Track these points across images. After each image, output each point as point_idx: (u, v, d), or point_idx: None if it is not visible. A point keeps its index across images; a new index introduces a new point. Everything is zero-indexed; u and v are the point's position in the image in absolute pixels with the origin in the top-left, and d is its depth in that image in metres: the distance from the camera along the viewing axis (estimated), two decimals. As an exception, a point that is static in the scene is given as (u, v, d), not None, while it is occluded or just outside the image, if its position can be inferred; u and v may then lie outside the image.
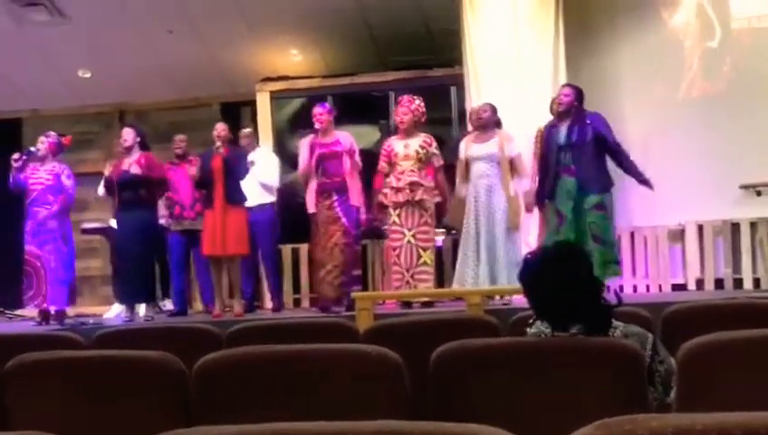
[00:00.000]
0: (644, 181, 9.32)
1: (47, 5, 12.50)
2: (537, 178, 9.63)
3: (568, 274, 3.61)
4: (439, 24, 12.24)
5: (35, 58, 13.32)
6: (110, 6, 12.37)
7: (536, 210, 9.91)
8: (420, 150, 9.73)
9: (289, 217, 11.47)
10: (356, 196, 9.88)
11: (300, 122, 12.66)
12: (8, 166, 10.26)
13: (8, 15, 12.59)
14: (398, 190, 9.73)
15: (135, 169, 9.96)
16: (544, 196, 9.43)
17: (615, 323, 3.69)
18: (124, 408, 3.54)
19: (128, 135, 10.23)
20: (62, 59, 13.44)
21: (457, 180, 9.81)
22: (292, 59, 13.40)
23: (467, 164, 9.68)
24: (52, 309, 10.14)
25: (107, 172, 10.30)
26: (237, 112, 13.64)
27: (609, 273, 9.25)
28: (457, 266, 9.67)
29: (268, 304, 11.12)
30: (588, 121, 9.23)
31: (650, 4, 11.27)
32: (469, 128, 10.28)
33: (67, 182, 10.20)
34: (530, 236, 10.09)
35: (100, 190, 10.93)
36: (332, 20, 12.44)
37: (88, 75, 13.80)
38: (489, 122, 9.72)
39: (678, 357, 3.34)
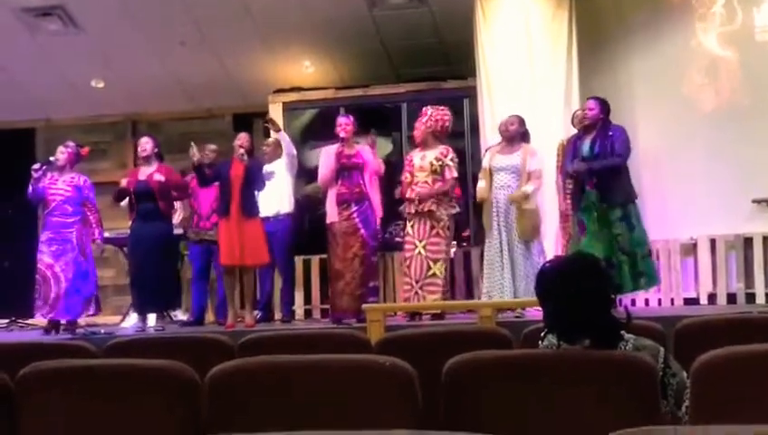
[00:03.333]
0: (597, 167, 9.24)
1: (61, 15, 12.54)
2: (563, 191, 9.66)
3: (577, 286, 3.60)
4: (452, 35, 12.24)
5: (48, 68, 13.36)
6: (124, 17, 12.40)
7: (557, 222, 9.95)
8: (435, 162, 9.73)
9: (300, 228, 11.46)
10: (377, 206, 9.92)
11: (312, 134, 12.69)
12: (21, 175, 10.28)
13: (22, 25, 12.64)
14: (410, 201, 9.75)
15: (158, 177, 10.00)
16: (572, 207, 9.46)
17: (626, 335, 3.67)
18: (136, 417, 3.53)
19: (147, 144, 10.25)
20: (75, 69, 13.47)
21: (478, 185, 9.81)
22: (305, 70, 13.42)
23: (491, 174, 9.69)
24: (65, 320, 10.17)
25: (124, 182, 10.33)
26: (250, 124, 13.63)
27: (641, 285, 9.32)
28: (485, 278, 9.67)
29: (278, 314, 11.11)
30: (610, 133, 9.27)
31: (667, 18, 11.23)
32: (492, 139, 10.22)
33: (91, 195, 10.25)
34: (551, 246, 10.06)
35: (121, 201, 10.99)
36: (345, 31, 12.46)
37: (101, 85, 13.83)
38: (516, 135, 9.73)
39: (692, 371, 3.33)
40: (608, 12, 11.36)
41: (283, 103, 12.89)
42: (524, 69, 10.77)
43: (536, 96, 10.68)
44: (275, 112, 12.63)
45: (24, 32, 12.72)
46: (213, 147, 10.99)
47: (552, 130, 10.34)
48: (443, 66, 12.73)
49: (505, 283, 9.44)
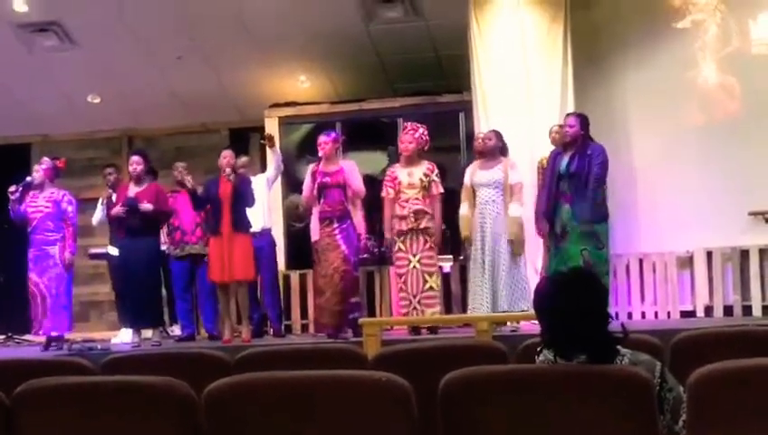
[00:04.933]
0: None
1: (57, 31, 12.55)
2: (540, 206, 9.65)
3: (573, 301, 3.59)
4: (448, 50, 12.27)
5: (45, 83, 13.37)
6: (120, 32, 12.41)
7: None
8: (424, 178, 9.75)
9: (297, 243, 11.47)
10: (358, 223, 9.87)
11: (308, 148, 12.67)
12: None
13: (18, 41, 12.65)
14: (402, 218, 9.74)
15: (146, 207, 9.97)
16: (546, 221, 9.45)
17: (622, 350, 3.66)
18: (133, 434, 3.53)
19: (138, 165, 10.22)
20: (71, 84, 13.48)
21: (462, 204, 9.84)
22: (301, 85, 13.43)
23: (473, 191, 9.73)
24: (53, 334, 10.17)
25: (104, 198, 10.34)
26: (246, 138, 13.65)
27: None
28: (470, 296, 9.71)
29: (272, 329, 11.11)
30: (589, 152, 9.27)
31: (662, 32, 11.25)
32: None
33: (69, 209, 10.21)
34: (537, 262, 10.10)
35: (96, 218, 10.98)
36: (341, 46, 12.47)
37: (97, 101, 13.84)
38: (494, 149, 9.77)
39: (688, 385, 3.33)
40: (603, 26, 11.38)
41: (279, 118, 12.90)
42: (520, 83, 10.79)
43: (531, 110, 10.70)
44: (271, 127, 12.64)
45: (20, 48, 12.72)
46: (183, 163, 10.99)
47: (546, 142, 10.34)
48: (438, 80, 12.75)
49: (485, 296, 9.46)
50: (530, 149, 10.38)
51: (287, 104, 13.10)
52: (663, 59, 11.23)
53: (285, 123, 12.93)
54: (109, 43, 12.62)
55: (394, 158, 10.40)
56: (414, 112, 11.91)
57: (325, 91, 13.41)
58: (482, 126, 10.77)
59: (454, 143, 12.21)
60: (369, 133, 12.57)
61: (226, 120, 14.09)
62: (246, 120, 13.70)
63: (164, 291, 11.06)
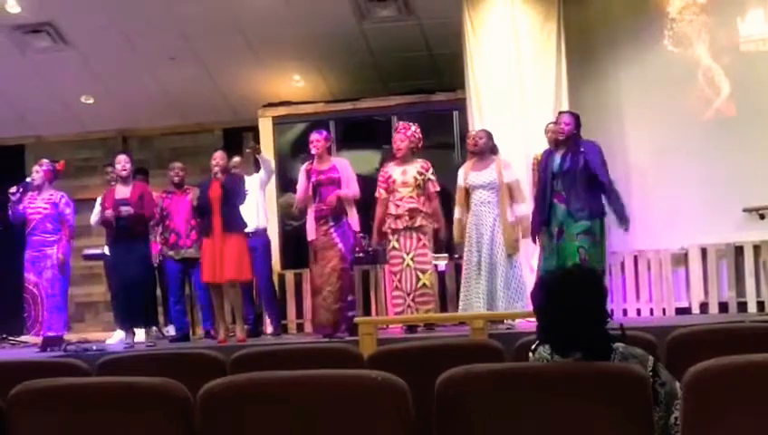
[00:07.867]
0: (623, 221, 9.30)
1: (50, 32, 12.54)
2: (535, 210, 9.65)
3: (572, 299, 3.58)
4: (441, 48, 12.26)
5: (38, 84, 13.34)
6: (113, 33, 12.40)
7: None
8: (418, 177, 9.75)
9: (292, 242, 11.45)
10: (353, 221, 9.87)
11: (302, 148, 12.65)
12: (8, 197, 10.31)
13: (11, 42, 12.63)
14: (397, 217, 9.74)
15: (127, 210, 9.96)
16: (541, 222, 9.44)
17: (616, 344, 3.65)
18: (128, 435, 3.53)
19: (126, 163, 10.23)
20: (64, 85, 13.47)
21: (456, 207, 9.85)
22: (295, 84, 13.42)
23: (467, 192, 9.73)
24: (50, 335, 10.17)
25: (100, 201, 10.37)
26: (240, 138, 13.63)
27: None
28: (462, 294, 9.71)
29: (269, 328, 11.11)
30: (582, 150, 9.25)
31: (654, 29, 11.27)
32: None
33: (67, 211, 10.27)
34: (532, 260, 10.08)
35: (94, 219, 10.96)
36: (335, 45, 12.46)
37: (90, 101, 13.82)
38: (485, 149, 9.77)
39: (684, 381, 3.32)
40: (596, 23, 11.39)
41: (273, 117, 12.87)
42: (513, 81, 10.78)
43: (525, 108, 10.69)
44: (265, 127, 12.64)
45: (13, 49, 12.71)
46: (179, 164, 11.01)
47: (540, 141, 10.33)
48: (432, 79, 12.74)
49: (481, 295, 9.46)
50: (524, 147, 10.36)
51: (281, 104, 13.08)
52: (655, 56, 11.24)
53: (279, 123, 12.91)
54: (102, 43, 12.61)
55: (388, 157, 10.40)
56: (408, 111, 11.91)
57: (319, 91, 13.40)
58: (476, 124, 10.76)
59: (448, 141, 12.20)
60: (363, 132, 12.56)
61: (220, 120, 14.08)
62: (240, 120, 13.69)
63: (159, 291, 11.07)
